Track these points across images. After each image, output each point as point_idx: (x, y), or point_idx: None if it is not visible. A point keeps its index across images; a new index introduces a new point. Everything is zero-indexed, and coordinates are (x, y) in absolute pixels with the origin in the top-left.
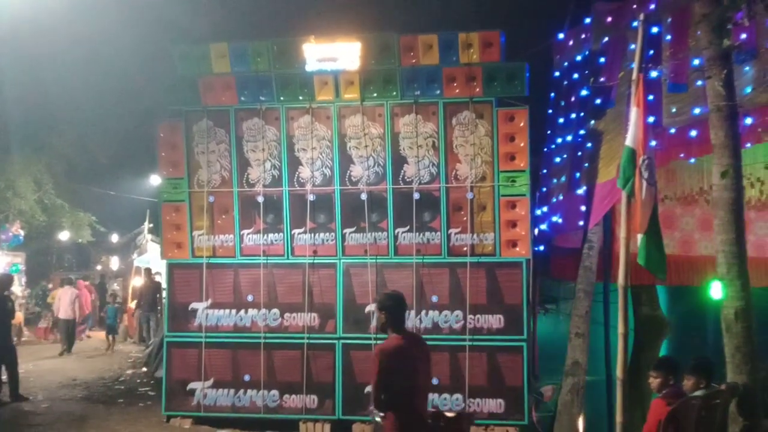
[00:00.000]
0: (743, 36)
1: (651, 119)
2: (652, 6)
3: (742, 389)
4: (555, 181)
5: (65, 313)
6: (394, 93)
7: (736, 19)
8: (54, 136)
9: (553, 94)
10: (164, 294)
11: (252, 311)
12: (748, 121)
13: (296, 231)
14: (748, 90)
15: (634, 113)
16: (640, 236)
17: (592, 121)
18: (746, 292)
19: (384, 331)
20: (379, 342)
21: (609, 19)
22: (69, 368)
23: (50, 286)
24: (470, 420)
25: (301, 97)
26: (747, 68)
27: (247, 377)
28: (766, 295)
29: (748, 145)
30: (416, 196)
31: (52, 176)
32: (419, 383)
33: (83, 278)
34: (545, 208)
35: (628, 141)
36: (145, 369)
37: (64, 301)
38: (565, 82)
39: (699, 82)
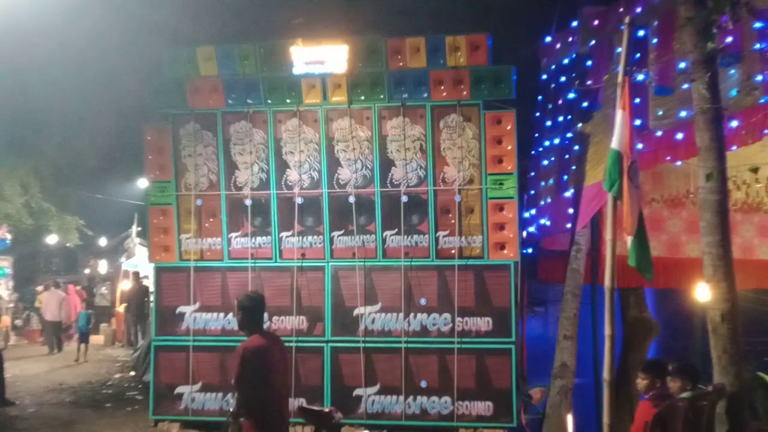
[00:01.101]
0: (728, 39)
1: (637, 122)
2: (639, 9)
3: (728, 391)
4: (543, 183)
5: (52, 316)
6: (382, 96)
7: (721, 22)
8: (40, 139)
9: (540, 97)
10: (152, 297)
11: None
12: (734, 124)
13: (284, 234)
14: (734, 93)
15: (619, 116)
16: (629, 238)
17: (580, 124)
18: (732, 294)
19: (242, 330)
20: (367, 345)
21: (596, 22)
22: (56, 373)
23: (40, 288)
24: (336, 416)
25: (288, 100)
26: (732, 71)
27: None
28: (752, 297)
29: (734, 147)
30: (404, 199)
31: (38, 180)
32: (279, 382)
33: (73, 283)
34: (533, 211)
35: (614, 144)
36: (133, 373)
37: (51, 303)
38: (553, 85)
39: (685, 85)
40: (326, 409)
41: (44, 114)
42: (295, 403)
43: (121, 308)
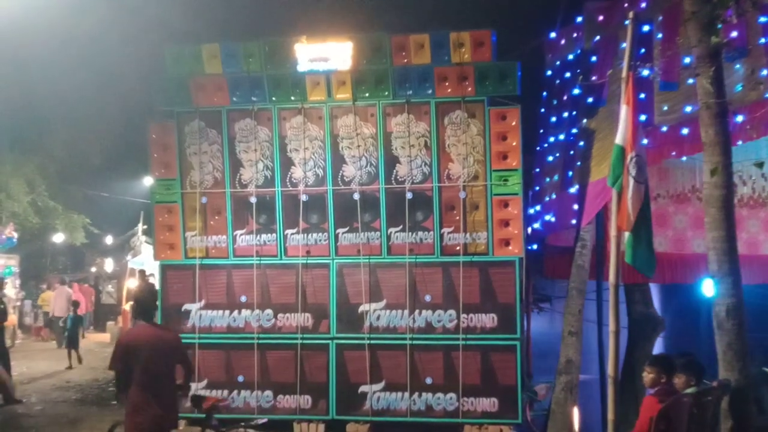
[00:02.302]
0: (734, 34)
1: (643, 117)
2: (644, 4)
3: (733, 386)
4: (548, 179)
5: (61, 312)
6: (386, 93)
7: (726, 16)
8: (46, 137)
9: (545, 93)
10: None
11: (245, 312)
12: (739, 118)
13: (289, 231)
14: (739, 88)
15: (624, 111)
16: (627, 234)
17: (584, 120)
18: (737, 289)
19: (134, 318)
20: (372, 342)
21: (600, 17)
22: (63, 370)
23: (44, 286)
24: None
25: (293, 98)
26: (737, 66)
27: (240, 378)
28: (758, 292)
29: (740, 142)
30: (409, 195)
31: (44, 178)
32: (154, 370)
33: (78, 281)
34: (538, 207)
35: (618, 139)
36: None
37: (60, 300)
38: (557, 81)
39: (690, 81)
40: (215, 398)
41: (49, 112)
42: (301, 400)
43: (127, 306)
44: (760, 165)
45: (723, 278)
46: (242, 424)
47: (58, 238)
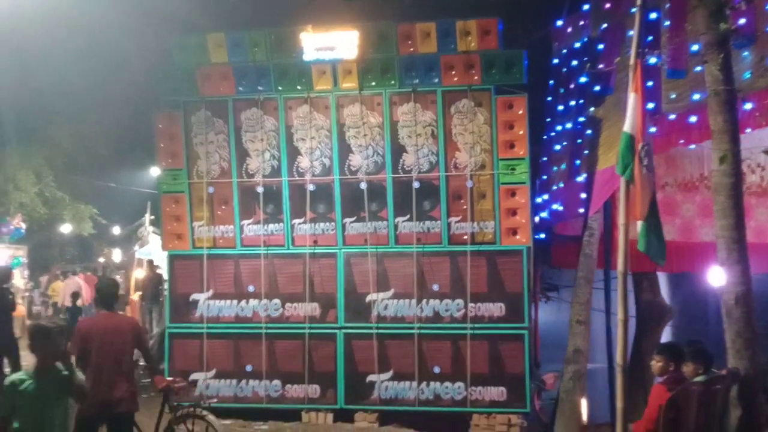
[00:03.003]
0: (742, 21)
1: (650, 105)
2: None
3: (742, 375)
4: (555, 168)
5: (70, 302)
6: (393, 82)
7: (734, 3)
8: (53, 128)
9: (552, 82)
10: (165, 285)
11: (253, 302)
12: (748, 106)
13: (296, 221)
14: (747, 75)
15: (632, 99)
16: (640, 223)
17: (592, 108)
18: (746, 277)
19: (96, 307)
20: (380, 331)
21: (607, 5)
22: None
23: (42, 279)
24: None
25: (299, 87)
26: (746, 53)
27: (249, 367)
28: (767, 280)
29: (748, 130)
30: (416, 185)
31: (52, 169)
32: (107, 355)
33: (84, 270)
34: (546, 196)
35: (627, 127)
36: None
37: (70, 290)
38: (564, 70)
39: (698, 68)
40: (171, 380)
41: (56, 103)
42: (309, 389)
43: (135, 296)
44: None
45: (731, 266)
46: (193, 404)
47: (66, 228)
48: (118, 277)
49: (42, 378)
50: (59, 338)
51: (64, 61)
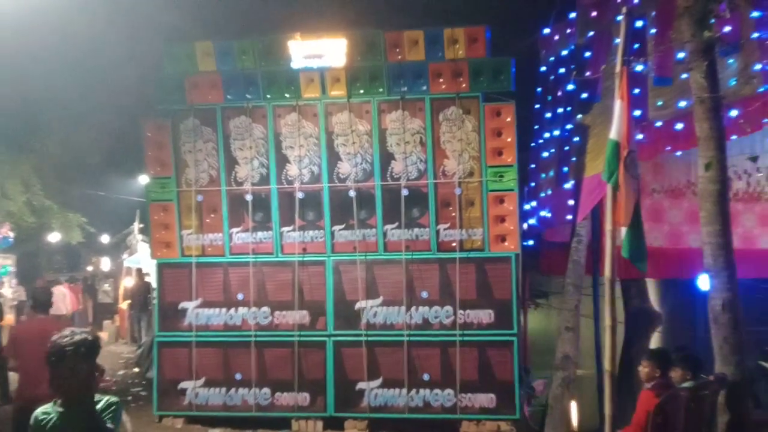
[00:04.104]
0: (727, 28)
1: (637, 113)
2: (637, 0)
3: (730, 380)
4: (543, 175)
5: (58, 310)
6: (381, 89)
7: (719, 11)
8: (41, 136)
9: (539, 89)
10: (154, 294)
11: (242, 310)
12: (733, 113)
13: (285, 229)
14: (733, 82)
15: (617, 106)
16: (624, 229)
17: (579, 116)
18: (733, 283)
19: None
20: (370, 339)
21: (594, 13)
22: None
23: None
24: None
25: (287, 95)
26: (731, 60)
27: (238, 376)
28: (753, 286)
29: (734, 137)
30: (404, 192)
31: (40, 177)
32: (35, 358)
33: (68, 279)
34: (534, 203)
35: (613, 134)
36: (136, 369)
37: (58, 298)
38: (552, 77)
39: (684, 75)
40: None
41: (45, 111)
42: (299, 397)
43: (124, 305)
44: (754, 159)
45: (718, 272)
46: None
47: (54, 237)
48: (107, 286)
49: (70, 410)
50: (77, 360)
51: (53, 69)
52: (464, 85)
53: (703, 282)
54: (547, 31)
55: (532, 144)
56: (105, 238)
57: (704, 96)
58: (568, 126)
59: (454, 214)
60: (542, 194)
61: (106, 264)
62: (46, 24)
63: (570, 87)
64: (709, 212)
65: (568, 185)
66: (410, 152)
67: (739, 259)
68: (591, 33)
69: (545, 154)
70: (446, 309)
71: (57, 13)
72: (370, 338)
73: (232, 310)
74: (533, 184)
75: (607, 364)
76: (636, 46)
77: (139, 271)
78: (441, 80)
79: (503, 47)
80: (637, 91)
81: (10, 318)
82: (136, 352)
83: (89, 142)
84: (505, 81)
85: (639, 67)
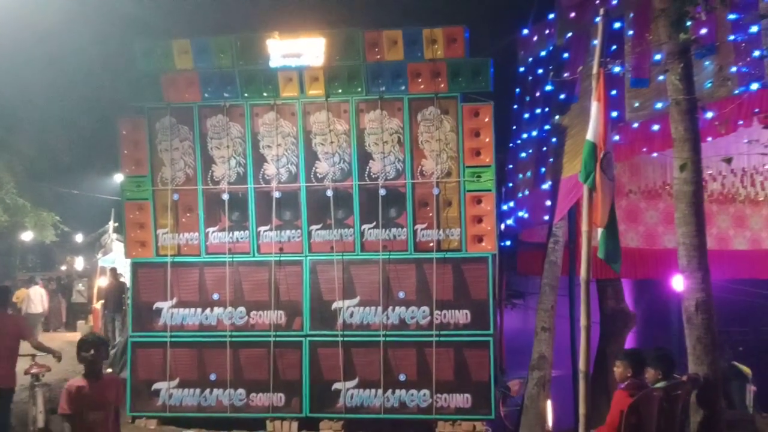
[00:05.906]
0: (703, 31)
1: (614, 114)
2: (615, 1)
3: (703, 380)
4: (521, 176)
5: (36, 309)
6: (359, 89)
7: (695, 13)
8: (14, 134)
9: (518, 90)
10: (129, 294)
11: (218, 310)
12: (709, 115)
13: (262, 228)
14: (708, 84)
15: (594, 108)
16: (600, 230)
17: (557, 117)
18: (706, 283)
19: None
20: (346, 339)
21: (572, 14)
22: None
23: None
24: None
25: (265, 94)
26: (707, 63)
27: (213, 376)
28: (727, 287)
29: (709, 139)
30: (382, 192)
31: (13, 176)
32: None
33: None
34: (511, 203)
35: (589, 135)
36: (110, 370)
37: (35, 298)
38: (530, 78)
39: (661, 77)
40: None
41: (17, 109)
42: (274, 398)
43: (98, 305)
44: (729, 161)
45: (692, 273)
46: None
47: (27, 236)
48: (81, 285)
49: None
50: None
51: (27, 67)
52: (443, 86)
53: (678, 282)
54: (525, 31)
55: (510, 144)
56: (79, 237)
57: (680, 98)
58: (546, 127)
59: (431, 214)
60: (520, 195)
61: (80, 263)
62: (18, 22)
63: (548, 88)
64: (684, 213)
65: (546, 186)
66: (388, 152)
67: (714, 259)
68: (570, 34)
69: (523, 155)
70: (423, 309)
71: (30, 10)
72: (346, 338)
73: (208, 310)
74: (511, 184)
75: (581, 365)
76: (613, 47)
77: (113, 270)
78: (420, 80)
79: (482, 47)
80: (614, 92)
81: None
82: (109, 353)
83: (64, 140)
84: (483, 81)
85: (616, 69)
